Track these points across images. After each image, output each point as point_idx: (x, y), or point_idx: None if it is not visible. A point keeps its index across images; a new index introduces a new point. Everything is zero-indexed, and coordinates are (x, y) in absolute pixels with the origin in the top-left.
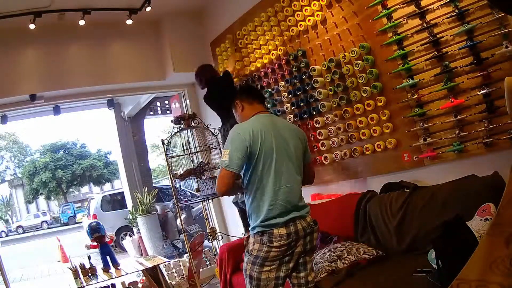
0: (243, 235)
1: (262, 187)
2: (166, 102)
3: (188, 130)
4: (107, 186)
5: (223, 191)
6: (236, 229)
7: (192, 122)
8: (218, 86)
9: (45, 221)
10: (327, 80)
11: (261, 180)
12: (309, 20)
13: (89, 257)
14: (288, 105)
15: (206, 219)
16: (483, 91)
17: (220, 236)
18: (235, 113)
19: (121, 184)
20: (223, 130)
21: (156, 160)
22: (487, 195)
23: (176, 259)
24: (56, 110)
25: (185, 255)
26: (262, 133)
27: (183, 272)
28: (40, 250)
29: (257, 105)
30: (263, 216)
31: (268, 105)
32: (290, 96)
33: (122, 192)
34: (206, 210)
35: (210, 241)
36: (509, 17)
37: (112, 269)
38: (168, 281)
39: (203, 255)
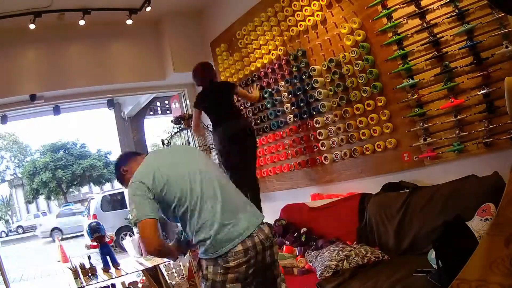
0: None
1: (197, 214)
2: (166, 102)
3: (188, 130)
4: (107, 186)
5: (155, 244)
6: None
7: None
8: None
9: None
10: (327, 80)
11: (192, 208)
12: (309, 20)
13: (89, 257)
14: (288, 105)
15: None
16: (483, 91)
17: None
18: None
19: None
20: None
21: None
22: (487, 195)
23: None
24: (56, 110)
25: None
26: (157, 169)
27: (183, 272)
28: (40, 250)
29: (140, 156)
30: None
31: (268, 105)
32: (290, 96)
33: (122, 192)
34: None
35: None
36: (509, 17)
37: (112, 269)
38: (168, 281)
39: None
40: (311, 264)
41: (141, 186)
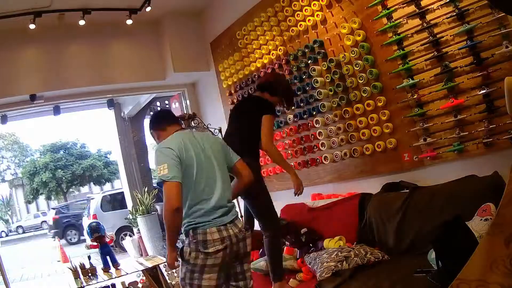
0: None
1: (192, 194)
2: (166, 102)
3: (188, 130)
4: (107, 186)
5: (178, 204)
6: None
7: (192, 122)
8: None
9: (45, 221)
10: (327, 80)
11: (191, 188)
12: (309, 20)
13: (89, 257)
14: None
15: None
16: (483, 91)
17: None
18: (156, 141)
19: (121, 184)
20: None
21: None
22: (487, 195)
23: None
24: (56, 110)
25: None
26: (182, 144)
27: None
28: (40, 250)
29: (170, 127)
30: (195, 221)
31: None
32: None
33: (122, 192)
34: None
35: None
36: (509, 17)
37: (112, 269)
38: (168, 281)
39: None
40: (310, 266)
41: (173, 152)
